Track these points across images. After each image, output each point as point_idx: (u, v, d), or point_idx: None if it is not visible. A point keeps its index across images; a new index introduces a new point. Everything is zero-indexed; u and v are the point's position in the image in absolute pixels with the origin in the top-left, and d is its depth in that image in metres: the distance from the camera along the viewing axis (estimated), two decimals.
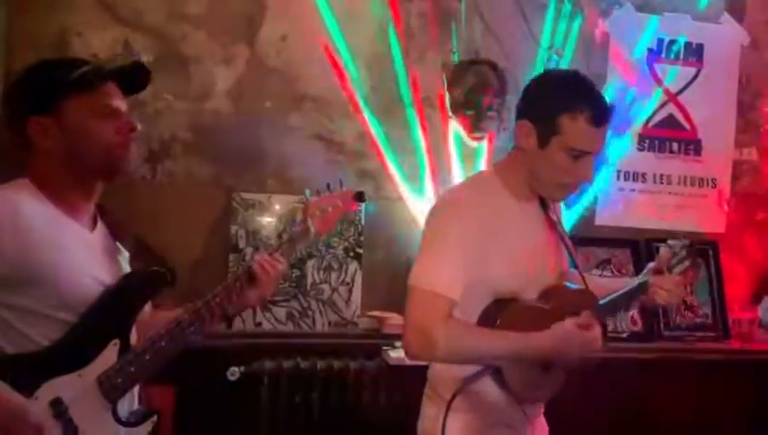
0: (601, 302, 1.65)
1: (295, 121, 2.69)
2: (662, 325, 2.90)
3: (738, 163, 3.12)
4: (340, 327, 2.62)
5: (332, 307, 2.62)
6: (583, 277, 1.68)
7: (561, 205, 1.89)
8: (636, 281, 1.74)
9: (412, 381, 2.42)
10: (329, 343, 2.51)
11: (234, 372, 2.20)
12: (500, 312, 1.53)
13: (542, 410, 1.73)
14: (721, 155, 3.08)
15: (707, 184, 3.08)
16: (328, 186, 1.74)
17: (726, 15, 3.05)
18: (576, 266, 1.71)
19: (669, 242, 1.75)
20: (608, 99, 1.59)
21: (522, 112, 1.57)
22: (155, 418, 1.49)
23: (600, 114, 1.51)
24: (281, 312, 2.56)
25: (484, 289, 1.53)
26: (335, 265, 2.63)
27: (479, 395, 1.56)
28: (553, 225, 1.66)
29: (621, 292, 1.69)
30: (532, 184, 1.60)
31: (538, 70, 2.86)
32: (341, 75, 2.72)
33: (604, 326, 1.61)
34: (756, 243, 3.09)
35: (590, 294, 1.64)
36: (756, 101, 3.13)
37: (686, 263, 1.76)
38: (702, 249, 3.03)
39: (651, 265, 1.79)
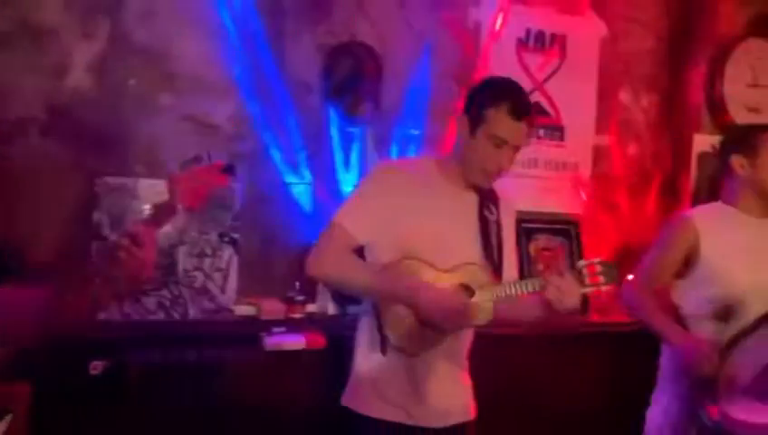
0: (498, 287, 1.75)
1: (164, 101, 2.57)
2: None
3: (597, 148, 3.34)
4: (214, 315, 2.55)
5: (206, 295, 2.54)
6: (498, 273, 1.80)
7: (513, 214, 1.97)
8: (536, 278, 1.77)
9: (289, 366, 2.43)
10: (202, 332, 2.44)
11: (96, 366, 2.08)
12: (393, 264, 1.70)
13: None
14: (582, 141, 3.28)
15: (570, 167, 3.27)
16: (196, 158, 1.68)
17: (588, 8, 3.23)
18: (496, 266, 1.80)
19: (596, 260, 1.74)
20: (528, 99, 1.78)
21: (462, 108, 1.80)
22: (9, 417, 1.38)
23: (519, 108, 1.71)
24: (150, 301, 2.46)
25: (394, 249, 1.71)
26: (208, 252, 2.55)
27: (366, 333, 1.78)
28: (485, 221, 1.80)
29: (517, 282, 1.76)
30: (463, 172, 1.78)
31: (414, 56, 2.92)
32: (214, 54, 2.63)
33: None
34: (613, 223, 3.34)
35: (488, 274, 1.76)
36: (614, 90, 3.35)
37: (603, 283, 1.73)
38: (564, 229, 3.24)
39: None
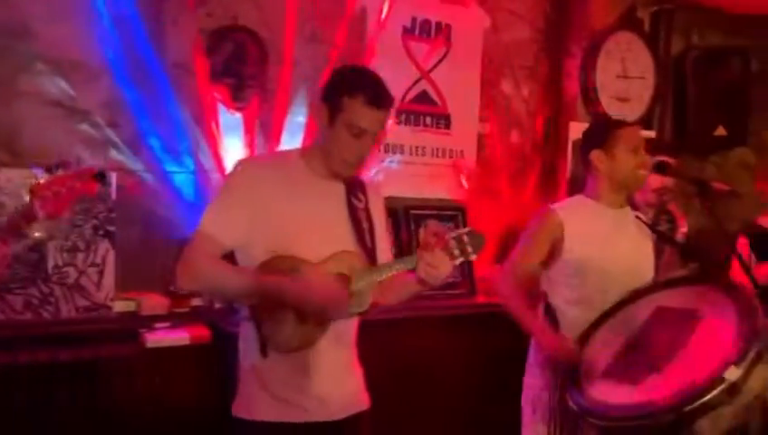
0: (374, 271, 1.74)
1: (25, 85, 2.38)
2: None
3: (482, 136, 3.44)
4: (90, 313, 2.41)
5: (80, 292, 2.39)
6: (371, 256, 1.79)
7: (382, 200, 1.95)
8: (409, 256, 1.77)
9: (171, 363, 2.34)
10: (77, 331, 2.30)
11: None
12: (267, 262, 1.67)
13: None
14: (467, 129, 3.37)
15: (456, 155, 3.36)
16: (61, 164, 1.58)
17: None
18: (370, 251, 1.79)
19: (464, 231, 1.77)
20: (386, 87, 1.74)
21: (321, 96, 1.77)
22: None
23: (376, 96, 1.71)
24: (17, 300, 2.28)
25: (266, 248, 1.68)
26: (82, 246, 2.39)
27: (248, 338, 1.73)
28: (354, 208, 1.79)
29: (392, 263, 1.78)
30: (325, 162, 1.76)
31: (301, 41, 2.86)
32: (83, 36, 2.46)
33: None
34: (496, 208, 3.45)
35: (363, 260, 1.75)
36: (497, 79, 3.46)
37: (471, 253, 1.76)
38: (452, 214, 3.32)
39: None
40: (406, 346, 2.90)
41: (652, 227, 2.39)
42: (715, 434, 1.72)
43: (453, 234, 1.75)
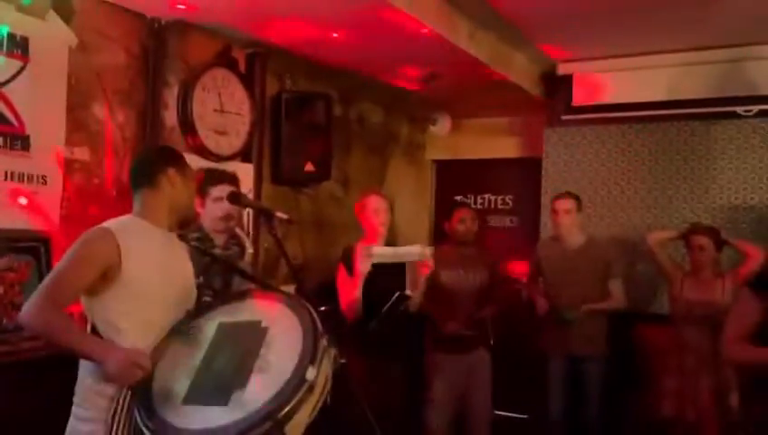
0: None
1: None
2: None
3: (70, 161, 3.19)
4: None
5: None
6: None
7: None
8: None
9: None
10: None
11: None
12: None
13: None
14: (51, 152, 3.08)
15: (38, 181, 3.04)
16: None
17: (53, 13, 3.06)
18: None
19: None
20: None
21: None
22: None
23: None
24: None
25: None
26: None
27: None
28: None
29: None
30: None
31: None
32: None
33: None
34: None
35: None
36: (86, 102, 3.26)
37: None
38: (32, 247, 2.99)
39: None
40: None
41: (200, 249, 2.54)
42: (301, 431, 1.85)
43: None
